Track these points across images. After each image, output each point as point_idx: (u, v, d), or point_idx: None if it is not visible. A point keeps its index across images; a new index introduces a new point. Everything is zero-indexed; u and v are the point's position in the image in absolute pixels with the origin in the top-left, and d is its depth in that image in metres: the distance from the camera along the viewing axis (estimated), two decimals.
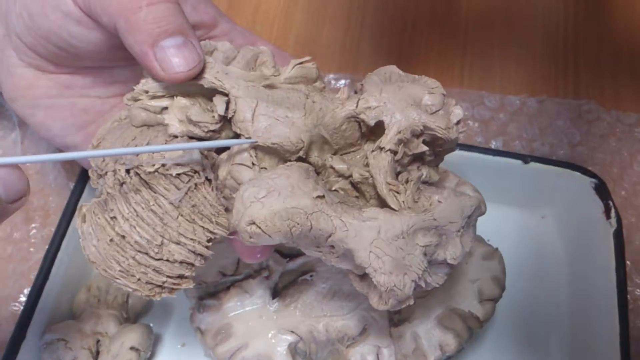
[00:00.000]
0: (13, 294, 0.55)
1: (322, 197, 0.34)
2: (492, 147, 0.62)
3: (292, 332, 0.47)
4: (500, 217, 0.57)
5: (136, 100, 0.38)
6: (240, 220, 0.34)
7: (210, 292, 0.49)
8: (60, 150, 0.47)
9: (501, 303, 0.49)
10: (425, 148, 0.37)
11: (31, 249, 0.57)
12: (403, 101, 0.37)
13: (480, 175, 0.51)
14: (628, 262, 0.54)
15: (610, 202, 0.51)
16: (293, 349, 0.47)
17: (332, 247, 0.35)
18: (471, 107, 0.64)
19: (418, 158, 0.38)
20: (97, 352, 0.49)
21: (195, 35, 0.37)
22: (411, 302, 0.35)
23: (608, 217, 0.51)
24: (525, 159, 0.53)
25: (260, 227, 0.34)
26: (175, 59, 0.36)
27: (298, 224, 0.33)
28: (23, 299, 0.55)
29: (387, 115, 0.36)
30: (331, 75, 0.66)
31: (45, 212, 0.59)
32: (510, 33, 0.70)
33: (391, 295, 0.34)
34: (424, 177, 0.38)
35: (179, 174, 0.36)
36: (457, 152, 0.52)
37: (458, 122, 0.37)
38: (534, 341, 0.53)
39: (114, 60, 0.43)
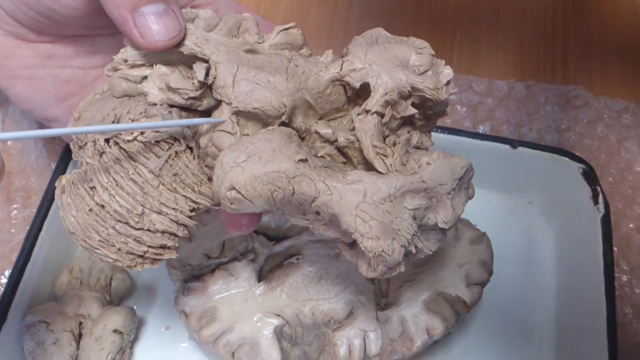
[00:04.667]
0: None
1: (305, 160, 0.33)
2: (480, 131, 0.62)
3: (278, 315, 0.46)
4: (487, 202, 0.57)
5: (116, 70, 0.37)
6: (220, 186, 0.33)
7: (195, 274, 0.49)
8: (40, 124, 0.46)
9: (488, 287, 0.49)
10: (414, 110, 0.36)
11: (12, 230, 0.56)
12: (389, 62, 0.36)
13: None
14: (615, 249, 0.54)
15: (598, 188, 0.51)
16: (279, 333, 0.46)
17: (318, 213, 0.34)
18: (459, 91, 0.64)
19: (408, 122, 0.37)
20: (80, 335, 0.48)
21: (176, 3, 0.36)
22: (402, 268, 0.34)
23: (596, 202, 0.51)
24: (513, 143, 0.53)
25: (240, 192, 0.33)
26: (155, 27, 0.35)
27: (280, 188, 0.33)
28: (4, 280, 0.54)
29: (372, 77, 0.35)
30: (318, 57, 0.66)
31: (26, 192, 0.58)
32: (499, 18, 0.70)
33: (380, 261, 0.33)
34: (415, 142, 0.37)
35: (157, 142, 0.35)
36: (445, 136, 0.53)
37: (448, 83, 0.36)
38: (521, 326, 0.53)
39: (96, 28, 0.42)
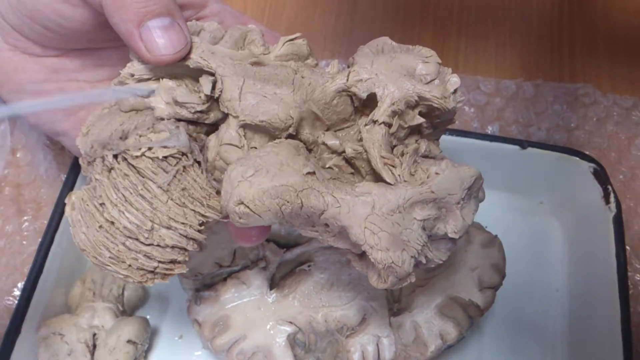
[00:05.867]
0: (7, 287, 0.54)
1: (313, 173, 0.33)
2: (489, 132, 0.62)
3: (291, 322, 0.46)
4: (498, 203, 0.57)
5: (123, 84, 0.38)
6: (228, 201, 0.33)
7: (207, 283, 0.49)
8: (50, 139, 0.46)
9: (501, 290, 0.49)
10: (421, 120, 0.36)
11: (24, 242, 0.56)
12: (396, 72, 0.36)
13: (477, 162, 0.50)
14: (627, 247, 0.53)
15: (609, 187, 0.51)
16: (292, 340, 0.46)
17: (327, 225, 0.34)
18: (467, 92, 0.64)
19: (415, 131, 0.37)
20: (94, 346, 0.48)
21: (182, 17, 0.37)
22: (412, 279, 0.33)
23: (607, 202, 0.50)
24: (523, 144, 0.53)
25: (249, 207, 0.33)
26: (161, 41, 0.35)
27: (288, 202, 0.33)
28: (17, 292, 0.54)
29: (379, 87, 0.35)
30: (323, 62, 0.66)
31: (37, 204, 0.58)
32: (505, 16, 0.69)
33: (390, 272, 0.33)
34: (423, 150, 0.36)
35: (165, 157, 0.35)
36: (454, 139, 0.52)
37: (455, 91, 0.36)
38: (534, 327, 0.53)
39: (102, 41, 0.42)
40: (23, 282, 0.48)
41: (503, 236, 0.50)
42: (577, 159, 0.52)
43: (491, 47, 0.68)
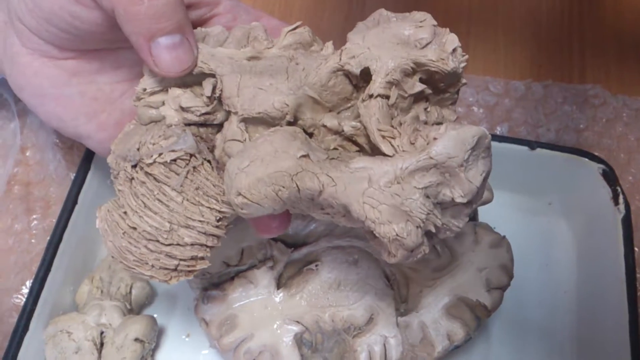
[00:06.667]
0: (15, 286, 0.55)
1: (307, 156, 0.33)
2: (498, 133, 0.62)
3: (298, 322, 0.46)
4: (506, 204, 0.56)
5: (139, 99, 0.39)
6: (229, 194, 0.34)
7: (215, 282, 0.49)
8: (59, 137, 0.46)
9: (509, 291, 0.48)
10: (422, 86, 0.35)
11: (32, 240, 0.56)
12: (388, 42, 0.35)
13: None
14: (636, 249, 0.53)
15: (619, 188, 0.50)
16: (299, 339, 0.46)
17: (332, 206, 0.33)
18: (475, 92, 0.64)
19: (422, 99, 0.36)
20: (101, 344, 0.49)
21: (191, 31, 0.37)
22: (426, 250, 0.32)
23: (616, 203, 0.50)
24: (532, 145, 0.53)
25: (246, 197, 0.33)
26: (170, 58, 0.37)
27: (284, 187, 0.33)
28: (25, 290, 0.54)
29: (372, 60, 0.34)
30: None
31: (46, 202, 0.58)
32: (514, 17, 0.69)
33: (397, 245, 0.31)
34: (434, 118, 0.35)
35: (174, 160, 0.37)
36: None
37: (454, 50, 0.34)
38: (542, 328, 0.53)
39: (118, 41, 0.43)
40: (31, 280, 0.48)
41: (511, 237, 0.50)
42: (586, 160, 0.52)
43: (500, 48, 0.67)
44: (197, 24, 0.41)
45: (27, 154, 0.60)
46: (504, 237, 0.50)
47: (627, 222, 0.49)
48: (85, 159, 0.52)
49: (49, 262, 0.49)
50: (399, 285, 0.48)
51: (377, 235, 0.32)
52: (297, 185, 0.33)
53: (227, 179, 0.34)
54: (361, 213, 0.32)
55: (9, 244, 0.56)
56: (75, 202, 0.51)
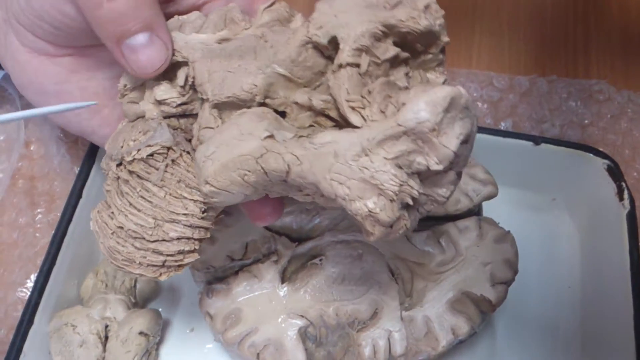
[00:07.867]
0: (19, 279, 0.55)
1: (271, 136, 0.32)
2: (502, 128, 0.61)
3: (302, 316, 0.46)
4: (511, 199, 0.56)
5: (123, 96, 0.39)
6: (200, 184, 0.33)
7: (219, 276, 0.49)
8: (63, 132, 0.46)
9: (513, 286, 0.48)
10: (395, 50, 0.32)
11: (37, 234, 0.57)
12: (356, 6, 0.32)
13: (490, 158, 0.51)
14: None
15: (623, 184, 0.50)
16: (303, 334, 0.46)
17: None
18: (480, 88, 0.64)
19: (399, 63, 0.33)
20: (106, 337, 0.49)
21: (162, 26, 0.36)
22: (407, 224, 0.30)
23: (621, 198, 0.50)
24: (536, 140, 0.53)
25: (213, 185, 0.33)
26: (142, 58, 0.35)
27: (249, 171, 0.32)
28: (30, 284, 0.54)
29: (339, 28, 0.32)
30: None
31: (50, 197, 0.58)
32: (518, 12, 0.69)
33: (372, 222, 0.29)
34: (406, 83, 0.33)
35: (150, 155, 0.36)
36: None
37: (427, 7, 0.32)
38: (546, 324, 0.53)
39: None
40: (36, 274, 0.48)
41: (515, 232, 0.50)
42: (591, 155, 0.52)
43: (505, 43, 0.67)
44: (192, 10, 0.40)
45: (32, 148, 0.60)
46: (509, 231, 0.50)
47: (631, 217, 0.49)
48: (90, 153, 0.52)
49: (54, 255, 0.49)
50: (404, 280, 0.48)
51: (349, 212, 0.30)
52: (263, 168, 0.31)
53: (197, 169, 0.34)
54: (330, 191, 0.30)
55: (13, 237, 0.56)
56: (79, 196, 0.51)
